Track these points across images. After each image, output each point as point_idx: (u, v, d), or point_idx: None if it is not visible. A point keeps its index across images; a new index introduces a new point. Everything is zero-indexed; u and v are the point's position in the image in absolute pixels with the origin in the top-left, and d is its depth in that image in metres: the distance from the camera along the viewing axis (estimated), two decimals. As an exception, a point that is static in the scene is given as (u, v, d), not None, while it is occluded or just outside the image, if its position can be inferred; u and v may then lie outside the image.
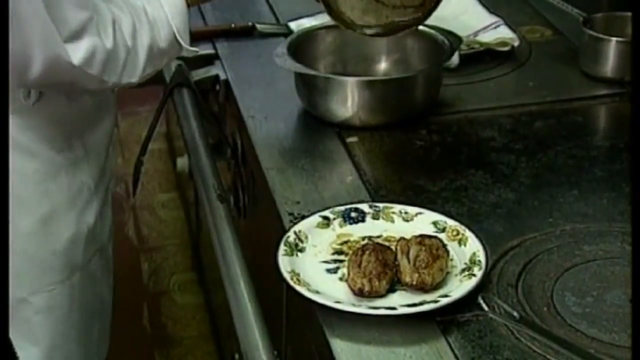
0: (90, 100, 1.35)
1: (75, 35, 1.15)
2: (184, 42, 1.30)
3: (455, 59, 1.61)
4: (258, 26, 1.80)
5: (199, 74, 1.68)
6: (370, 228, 1.21)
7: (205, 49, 1.74)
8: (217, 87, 1.67)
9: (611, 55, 1.55)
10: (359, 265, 1.09)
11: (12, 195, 1.25)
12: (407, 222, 1.21)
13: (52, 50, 1.14)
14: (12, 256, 1.27)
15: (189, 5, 1.31)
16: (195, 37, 1.76)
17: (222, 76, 1.66)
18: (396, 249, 1.12)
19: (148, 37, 1.25)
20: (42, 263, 1.34)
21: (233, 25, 1.80)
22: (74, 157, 1.34)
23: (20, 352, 1.02)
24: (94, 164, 1.38)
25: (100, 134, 1.38)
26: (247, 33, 1.79)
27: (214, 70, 1.68)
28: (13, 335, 1.00)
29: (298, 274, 1.11)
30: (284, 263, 1.13)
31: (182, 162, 1.89)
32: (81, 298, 1.40)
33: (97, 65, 1.19)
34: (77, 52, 1.16)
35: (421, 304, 1.06)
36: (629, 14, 1.58)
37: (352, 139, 1.44)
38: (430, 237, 1.13)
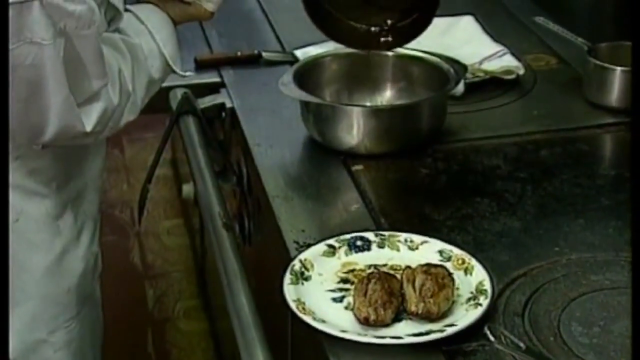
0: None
1: (87, 102, 1.15)
2: (177, 69, 1.31)
3: (460, 87, 1.61)
4: (264, 54, 1.81)
5: (205, 101, 1.69)
6: (376, 256, 1.21)
7: (212, 77, 1.75)
8: (223, 115, 1.67)
9: (616, 84, 1.56)
10: (365, 294, 1.09)
11: (24, 240, 1.26)
12: (412, 251, 1.21)
13: (68, 121, 1.14)
14: (27, 300, 1.28)
15: (175, 26, 1.31)
16: (202, 65, 1.80)
17: (228, 104, 1.67)
18: (402, 277, 1.12)
19: (145, 75, 1.26)
20: (58, 302, 1.32)
21: (239, 53, 1.81)
22: (75, 191, 1.33)
23: None
24: (93, 193, 1.38)
25: (96, 163, 1.38)
26: (253, 61, 1.80)
27: (220, 98, 1.69)
28: None
29: (304, 303, 1.11)
30: (290, 292, 1.13)
31: (187, 188, 1.89)
32: (91, 324, 1.40)
33: (105, 123, 1.19)
34: (90, 119, 1.16)
35: (427, 333, 1.06)
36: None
37: (357, 167, 1.44)
38: (436, 266, 1.13)
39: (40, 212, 1.28)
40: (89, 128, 1.16)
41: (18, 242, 1.25)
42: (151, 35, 1.27)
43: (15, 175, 1.23)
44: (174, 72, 1.31)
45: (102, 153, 1.40)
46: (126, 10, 1.28)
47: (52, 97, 1.11)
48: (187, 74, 1.33)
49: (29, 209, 1.26)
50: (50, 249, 1.30)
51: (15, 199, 1.23)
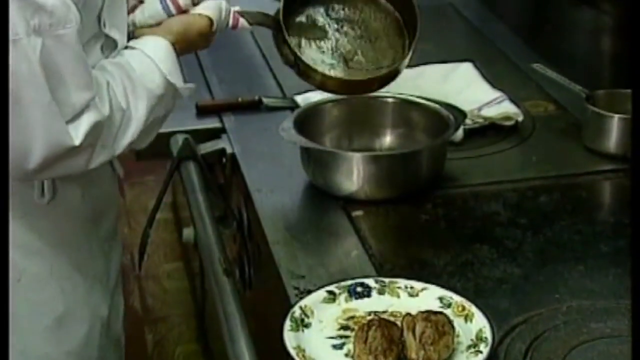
0: (99, 189, 1.32)
1: (77, 115, 1.11)
2: (177, 83, 1.26)
3: (459, 133, 1.62)
4: (265, 100, 1.83)
5: (205, 147, 1.70)
6: (376, 303, 1.21)
7: (212, 123, 1.77)
8: (224, 161, 1.68)
9: (614, 131, 1.57)
10: (365, 342, 1.09)
11: (25, 300, 1.23)
12: (412, 298, 1.21)
13: (54, 135, 1.09)
14: (27, 358, 1.25)
15: (175, 48, 1.27)
16: (203, 111, 1.81)
17: (229, 150, 1.68)
18: (402, 324, 1.12)
19: (142, 91, 1.21)
20: None
21: (240, 99, 1.83)
22: (89, 253, 1.31)
23: None
24: (105, 256, 1.35)
25: (109, 222, 1.36)
26: (254, 107, 1.82)
27: (221, 143, 1.70)
28: None
29: (304, 350, 1.11)
30: (290, 339, 1.13)
31: (188, 232, 1.89)
32: None
33: (96, 139, 1.14)
34: (78, 133, 1.11)
35: (427, 381, 1.05)
36: (630, 91, 1.60)
37: (357, 213, 1.45)
38: (436, 313, 1.13)
39: (44, 271, 1.25)
40: (77, 141, 1.10)
41: (19, 302, 1.22)
42: (143, 53, 1.24)
43: (19, 234, 1.21)
44: (174, 87, 1.25)
45: (114, 216, 1.37)
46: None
47: (33, 108, 1.06)
48: (189, 86, 1.28)
49: (32, 268, 1.24)
50: (52, 310, 1.27)
51: (18, 258, 1.21)
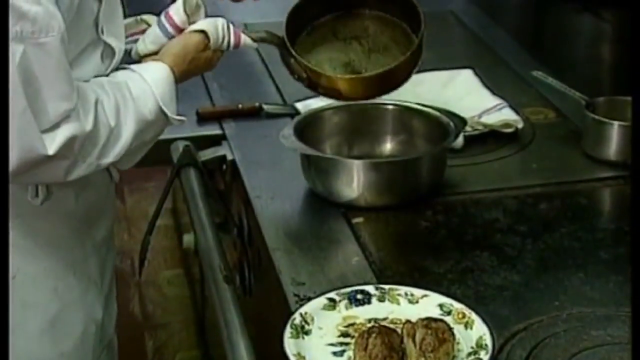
0: (94, 193, 1.32)
1: (55, 126, 1.11)
2: (169, 112, 1.26)
3: (460, 140, 1.63)
4: (265, 107, 1.83)
5: (206, 154, 1.70)
6: (376, 310, 1.21)
7: (213, 130, 1.77)
8: (224, 167, 1.69)
9: (614, 139, 1.57)
10: (365, 349, 1.09)
11: (19, 299, 1.23)
12: (413, 305, 1.21)
13: (27, 141, 1.09)
14: (21, 358, 1.25)
15: (176, 80, 1.28)
16: (203, 118, 1.81)
17: (229, 156, 1.68)
18: (402, 332, 1.12)
19: (133, 113, 1.21)
20: None
21: (240, 106, 1.83)
22: (83, 254, 1.31)
23: None
24: (100, 258, 1.35)
25: (105, 226, 1.36)
26: (254, 113, 1.82)
27: (221, 150, 1.70)
28: None
29: (304, 357, 1.11)
30: (290, 346, 1.13)
31: (188, 239, 1.89)
32: None
33: (74, 150, 1.14)
34: (53, 143, 1.11)
35: (428, 388, 1.05)
36: (630, 98, 1.60)
37: (357, 220, 1.45)
38: (436, 320, 1.13)
39: (38, 271, 1.26)
40: (50, 151, 1.10)
41: (13, 301, 1.22)
42: (141, 77, 1.24)
43: (14, 235, 1.21)
44: (165, 115, 1.25)
45: (110, 216, 1.38)
46: (120, 67, 1.27)
47: (11, 113, 1.06)
48: (180, 118, 1.28)
49: (26, 268, 1.24)
50: (46, 310, 1.28)
51: (12, 257, 1.20)
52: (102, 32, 1.23)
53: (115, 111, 1.19)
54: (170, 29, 1.31)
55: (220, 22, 1.33)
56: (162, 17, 1.32)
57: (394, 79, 1.45)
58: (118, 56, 1.26)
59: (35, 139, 1.10)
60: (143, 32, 1.33)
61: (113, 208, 1.41)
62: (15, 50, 1.05)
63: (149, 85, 1.24)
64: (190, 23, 1.32)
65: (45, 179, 1.18)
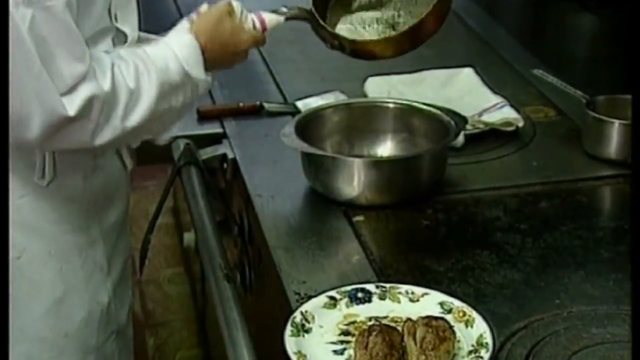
0: (104, 178, 1.34)
1: (73, 88, 1.13)
2: (194, 73, 1.27)
3: (460, 139, 1.63)
4: (266, 105, 1.83)
5: (206, 152, 1.70)
6: (377, 308, 1.21)
7: (214, 128, 1.77)
8: (225, 166, 1.69)
9: (614, 137, 1.57)
10: (366, 347, 1.09)
11: (25, 278, 1.26)
12: (413, 303, 1.22)
13: (49, 104, 1.12)
14: (24, 340, 1.27)
15: (202, 44, 1.28)
16: (204, 116, 1.81)
17: (230, 155, 1.68)
18: (403, 330, 1.12)
19: (155, 75, 1.22)
20: (55, 346, 1.32)
21: (241, 104, 1.83)
22: (90, 238, 1.33)
23: None
24: (109, 244, 1.37)
25: (115, 213, 1.38)
26: (255, 112, 1.82)
27: (222, 149, 1.70)
28: None
29: (305, 355, 1.11)
30: (291, 344, 1.13)
31: (188, 237, 1.90)
32: None
33: (95, 111, 1.16)
34: (73, 104, 1.13)
35: (428, 387, 1.06)
36: (630, 96, 1.60)
37: (358, 218, 1.45)
38: (436, 318, 1.13)
39: (44, 252, 1.28)
40: (72, 112, 1.12)
41: (18, 280, 1.25)
42: (163, 42, 1.27)
43: (21, 213, 1.23)
44: (190, 77, 1.26)
45: (121, 205, 1.39)
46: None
47: (24, 76, 1.09)
48: (207, 78, 1.28)
49: (32, 247, 1.26)
50: (51, 291, 1.30)
51: (18, 237, 1.23)
52: (116, 19, 1.25)
53: (135, 74, 1.21)
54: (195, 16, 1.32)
55: (235, 2, 1.34)
56: (190, 15, 1.34)
57: (424, 32, 1.43)
58: (130, 42, 1.27)
59: (55, 101, 1.12)
60: None
61: (126, 196, 1.43)
62: (25, 15, 1.07)
63: (170, 48, 1.26)
64: None
65: (72, 143, 1.19)
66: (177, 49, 1.26)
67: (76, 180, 1.30)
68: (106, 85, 1.16)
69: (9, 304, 1.09)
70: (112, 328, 1.39)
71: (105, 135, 1.19)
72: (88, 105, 1.14)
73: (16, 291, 1.23)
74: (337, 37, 1.43)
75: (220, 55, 1.31)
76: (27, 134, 1.14)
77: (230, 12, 1.32)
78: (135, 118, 1.20)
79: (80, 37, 1.14)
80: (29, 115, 1.12)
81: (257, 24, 1.35)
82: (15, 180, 1.22)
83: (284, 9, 1.39)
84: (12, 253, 1.22)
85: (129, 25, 1.27)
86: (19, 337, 1.26)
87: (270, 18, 1.37)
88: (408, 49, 1.45)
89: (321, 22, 1.42)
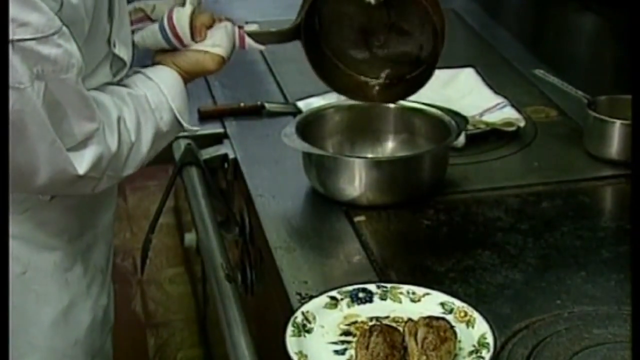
0: None
1: (81, 146, 1.14)
2: (185, 123, 1.29)
3: (461, 139, 1.63)
4: (267, 105, 1.83)
5: (208, 152, 1.70)
6: (378, 309, 1.21)
7: (215, 128, 1.77)
8: (226, 166, 1.69)
9: (616, 137, 1.57)
10: (367, 347, 1.09)
11: (32, 292, 1.25)
12: (414, 303, 1.21)
13: (58, 164, 1.12)
14: (34, 352, 1.27)
15: (185, 83, 1.30)
16: (205, 116, 1.81)
17: (231, 155, 1.68)
18: (404, 330, 1.12)
19: (152, 127, 1.24)
20: (65, 355, 1.31)
21: (242, 105, 1.83)
22: (86, 244, 1.33)
23: None
24: (103, 245, 1.37)
25: (107, 215, 1.38)
26: (256, 112, 1.82)
27: (223, 149, 1.70)
28: None
29: (306, 356, 1.11)
30: (292, 344, 1.13)
31: (190, 237, 1.90)
32: None
33: (102, 169, 1.17)
34: (82, 162, 1.13)
35: (429, 387, 1.05)
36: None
37: (359, 218, 1.45)
38: (438, 318, 1.13)
39: (48, 264, 1.27)
40: (81, 171, 1.13)
41: (25, 294, 1.24)
42: (159, 88, 1.26)
43: (24, 228, 1.23)
44: (181, 126, 1.29)
45: (112, 205, 1.40)
46: (136, 71, 1.28)
47: (37, 142, 1.09)
48: (195, 128, 1.32)
49: (37, 261, 1.26)
50: (58, 301, 1.30)
51: (23, 251, 1.23)
52: (115, 45, 1.24)
53: (136, 126, 1.22)
54: (172, 38, 1.29)
55: (229, 28, 1.32)
56: (165, 22, 1.29)
57: (395, 93, 1.45)
58: (128, 67, 1.27)
59: (66, 162, 1.12)
60: (140, 20, 1.32)
61: (115, 196, 1.43)
62: (39, 88, 1.07)
63: (165, 97, 1.26)
64: (192, 34, 1.30)
65: (73, 193, 1.22)
66: (172, 99, 1.26)
67: None
68: (114, 145, 1.18)
69: (8, 306, 1.09)
70: (109, 326, 1.41)
71: (104, 185, 1.21)
72: (97, 164, 1.15)
73: (23, 306, 1.23)
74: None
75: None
76: (31, 185, 1.15)
77: (221, 67, 1.32)
78: (132, 167, 1.22)
79: (90, 99, 1.14)
80: (37, 170, 1.12)
81: (237, 43, 1.35)
82: (17, 195, 1.20)
83: (259, 36, 1.38)
84: (17, 268, 1.22)
85: (125, 49, 1.26)
86: (28, 350, 1.26)
87: (250, 44, 1.36)
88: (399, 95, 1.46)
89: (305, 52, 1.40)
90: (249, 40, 1.35)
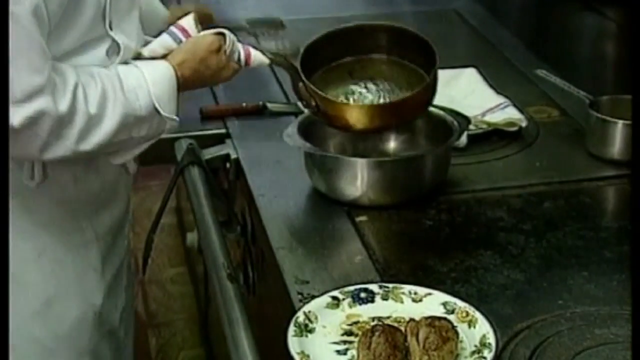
0: (98, 182, 1.33)
1: (23, 99, 1.12)
2: (163, 111, 1.27)
3: (463, 139, 1.63)
4: (269, 105, 1.83)
5: (210, 152, 1.70)
6: (380, 309, 1.21)
7: (217, 128, 1.77)
8: (228, 166, 1.69)
9: (617, 137, 1.57)
10: (369, 347, 1.09)
11: (14, 278, 1.23)
12: (416, 303, 1.22)
13: None
14: (15, 339, 1.26)
15: (180, 79, 1.29)
16: (207, 116, 1.81)
17: (233, 155, 1.68)
18: (406, 330, 1.12)
19: (122, 106, 1.22)
20: (46, 347, 1.31)
21: (244, 105, 1.83)
22: (83, 239, 1.33)
23: None
24: (104, 245, 1.37)
25: (111, 217, 1.37)
26: (258, 112, 1.82)
27: (225, 149, 1.71)
28: None
29: (308, 355, 1.11)
30: (294, 344, 1.13)
31: (191, 237, 1.90)
32: None
33: (43, 128, 1.15)
34: (19, 116, 1.12)
35: (431, 387, 1.05)
36: (634, 96, 1.60)
37: (361, 218, 1.45)
38: (439, 318, 1.13)
39: (32, 252, 1.27)
40: (15, 123, 1.11)
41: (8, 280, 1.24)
42: (141, 72, 1.25)
43: (9, 214, 1.22)
44: (158, 113, 1.26)
45: (115, 205, 1.38)
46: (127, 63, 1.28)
47: None
48: (173, 117, 1.29)
49: (21, 247, 1.25)
50: (42, 291, 1.29)
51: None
52: (111, 27, 1.23)
53: (100, 100, 1.20)
54: (180, 34, 1.31)
55: (228, 32, 1.34)
56: (172, 27, 1.34)
57: (404, 112, 1.47)
58: (123, 53, 1.26)
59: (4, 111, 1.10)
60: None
61: (125, 199, 1.42)
62: None
63: (146, 81, 1.25)
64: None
65: (18, 152, 1.18)
66: (152, 83, 1.25)
67: (67, 181, 1.29)
68: (62, 105, 1.15)
69: (8, 305, 1.09)
70: (105, 329, 1.39)
71: (56, 152, 1.19)
72: (36, 120, 1.14)
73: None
74: (314, 94, 1.43)
75: (196, 86, 1.34)
76: None
77: (219, 48, 1.32)
78: (91, 143, 1.20)
79: (43, 49, 1.12)
80: None
81: (242, 58, 1.37)
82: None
83: (270, 55, 1.41)
84: None
85: (126, 35, 1.25)
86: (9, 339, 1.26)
87: (256, 57, 1.39)
88: (381, 125, 1.48)
89: (303, 77, 1.43)
90: (254, 53, 1.37)
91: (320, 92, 1.44)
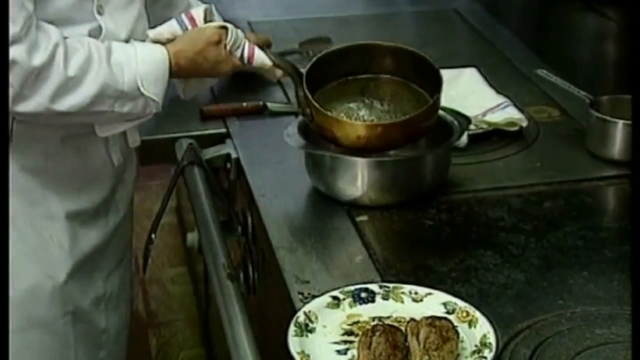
0: (77, 161, 1.34)
1: None
2: (147, 91, 1.28)
3: (464, 139, 1.63)
4: (269, 105, 1.83)
5: (210, 152, 1.70)
6: (380, 308, 1.21)
7: (217, 128, 1.77)
8: (228, 165, 1.69)
9: (618, 137, 1.57)
10: (369, 347, 1.09)
11: None
12: (416, 303, 1.22)
13: None
14: None
15: (173, 66, 1.30)
16: (207, 116, 1.81)
17: (233, 155, 1.68)
18: (406, 330, 1.12)
19: (103, 76, 1.24)
20: None
21: (244, 104, 1.83)
22: (47, 212, 1.33)
23: None
24: (75, 225, 1.36)
25: (88, 200, 1.37)
26: (258, 112, 1.82)
27: (225, 148, 1.71)
28: None
29: (308, 355, 1.11)
30: (294, 344, 1.13)
31: (192, 237, 1.90)
32: (40, 357, 1.36)
33: (14, 79, 1.16)
34: None
35: (431, 387, 1.06)
36: (635, 96, 1.60)
37: (361, 218, 1.45)
38: (440, 318, 1.13)
39: None
40: None
41: None
42: (134, 49, 1.27)
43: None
44: (139, 91, 1.28)
45: (95, 195, 1.38)
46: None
47: None
48: (154, 97, 1.30)
49: None
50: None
51: None
52: (100, 12, 1.25)
53: (82, 65, 1.21)
54: (187, 22, 1.33)
55: (231, 27, 1.35)
56: (183, 14, 1.36)
57: (392, 136, 1.45)
58: (104, 37, 1.27)
59: None
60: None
61: (107, 189, 1.42)
62: None
63: (135, 59, 1.27)
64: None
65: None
66: (141, 61, 1.27)
67: (36, 155, 1.30)
68: (37, 59, 1.17)
69: (8, 304, 1.08)
70: (67, 309, 1.39)
71: (28, 106, 1.20)
72: (10, 72, 1.15)
73: None
74: (310, 104, 1.44)
75: (192, 75, 1.35)
76: None
77: (219, 40, 1.33)
78: (65, 104, 1.22)
79: (22, 1, 1.13)
80: None
81: (246, 56, 1.37)
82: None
83: (273, 57, 1.42)
84: None
85: (115, 22, 1.27)
86: None
87: (259, 56, 1.40)
88: (367, 145, 1.45)
89: (304, 84, 1.44)
90: (258, 53, 1.37)
91: (314, 103, 1.44)
